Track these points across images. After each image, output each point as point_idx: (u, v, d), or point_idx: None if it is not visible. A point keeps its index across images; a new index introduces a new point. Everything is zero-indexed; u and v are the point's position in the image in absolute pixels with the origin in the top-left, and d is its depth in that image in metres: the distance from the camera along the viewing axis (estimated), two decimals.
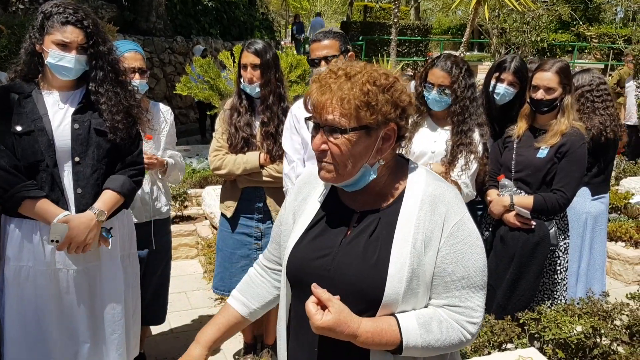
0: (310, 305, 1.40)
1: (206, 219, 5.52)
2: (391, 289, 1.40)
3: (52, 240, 2.39)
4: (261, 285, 1.76)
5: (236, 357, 3.72)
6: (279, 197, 3.24)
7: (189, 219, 5.70)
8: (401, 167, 1.56)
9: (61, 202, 2.43)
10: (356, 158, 1.44)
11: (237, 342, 3.97)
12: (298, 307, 1.56)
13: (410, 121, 1.60)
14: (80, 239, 2.39)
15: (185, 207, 5.82)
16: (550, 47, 17.89)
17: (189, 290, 4.78)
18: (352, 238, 1.50)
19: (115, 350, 2.60)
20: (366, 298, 1.43)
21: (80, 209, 2.44)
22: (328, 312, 1.39)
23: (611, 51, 19.59)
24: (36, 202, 2.37)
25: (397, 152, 1.56)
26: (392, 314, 1.43)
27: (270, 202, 3.28)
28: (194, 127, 12.31)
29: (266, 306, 1.76)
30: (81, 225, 2.39)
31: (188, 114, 12.79)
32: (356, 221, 1.52)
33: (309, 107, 1.48)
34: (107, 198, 2.49)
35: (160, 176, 3.28)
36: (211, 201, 5.34)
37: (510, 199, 3.11)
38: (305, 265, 1.53)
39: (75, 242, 2.39)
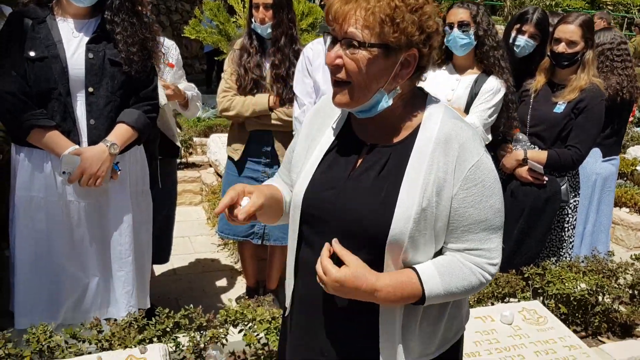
0: (325, 259, 1.36)
1: (211, 166, 5.50)
2: (397, 229, 1.36)
3: (63, 172, 2.36)
4: (286, 186, 1.69)
5: (238, 301, 3.74)
6: (288, 141, 3.17)
7: (193, 166, 5.67)
8: (418, 100, 1.49)
9: (73, 132, 2.39)
10: (371, 79, 1.37)
11: (239, 286, 4.00)
12: (306, 242, 1.54)
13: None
14: (92, 171, 2.36)
15: (190, 153, 5.78)
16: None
17: (192, 235, 4.79)
18: (360, 172, 1.45)
19: (123, 288, 2.60)
20: (370, 236, 1.39)
21: (92, 140, 2.41)
22: (345, 266, 1.35)
23: (625, 20, 19.22)
24: (46, 133, 2.33)
25: (416, 84, 1.50)
26: (410, 267, 1.39)
27: (278, 146, 3.24)
28: (199, 78, 12.14)
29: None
30: (93, 157, 2.36)
31: (193, 64, 12.61)
32: (366, 154, 1.47)
33: (329, 18, 1.39)
34: (121, 132, 2.45)
35: (181, 109, 3.24)
36: (216, 149, 5.30)
37: (524, 153, 3.07)
38: (313, 197, 1.49)
39: (87, 175, 2.36)
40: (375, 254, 1.39)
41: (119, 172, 2.50)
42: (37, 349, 2.12)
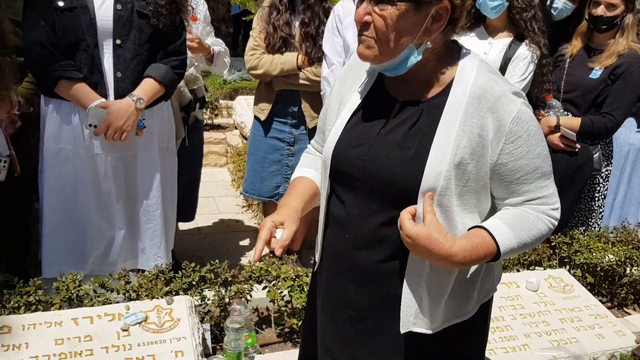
0: (404, 213, 1.33)
1: (236, 128, 5.50)
2: (427, 185, 1.33)
3: (89, 125, 2.37)
4: (319, 161, 1.67)
5: (262, 259, 3.77)
6: (315, 102, 3.16)
7: (219, 127, 5.68)
8: (452, 54, 1.43)
9: (100, 85, 2.39)
10: (401, 34, 1.32)
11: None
12: (336, 197, 1.52)
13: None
14: (118, 125, 2.36)
15: (216, 115, 5.79)
16: None
17: (217, 196, 4.83)
18: (391, 129, 1.42)
19: (150, 240, 2.64)
20: (400, 193, 1.36)
21: (119, 93, 2.40)
22: (422, 224, 1.31)
23: None
24: (73, 84, 2.33)
25: (449, 38, 1.45)
26: (479, 227, 1.36)
27: (305, 106, 3.20)
28: (225, 41, 12.06)
29: None
30: (120, 110, 2.36)
31: (220, 27, 12.52)
32: (397, 111, 1.43)
33: None
34: (147, 86, 2.44)
35: (207, 64, 3.21)
36: (242, 111, 5.29)
37: (557, 120, 2.99)
38: (343, 153, 1.46)
39: (113, 128, 2.36)
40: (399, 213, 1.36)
41: (143, 129, 2.51)
42: (67, 296, 2.17)
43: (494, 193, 1.41)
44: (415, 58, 1.35)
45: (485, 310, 1.56)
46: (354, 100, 1.51)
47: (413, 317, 1.42)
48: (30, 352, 1.85)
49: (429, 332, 1.43)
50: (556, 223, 1.42)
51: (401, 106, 1.43)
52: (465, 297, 1.46)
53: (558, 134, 3.01)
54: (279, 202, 3.39)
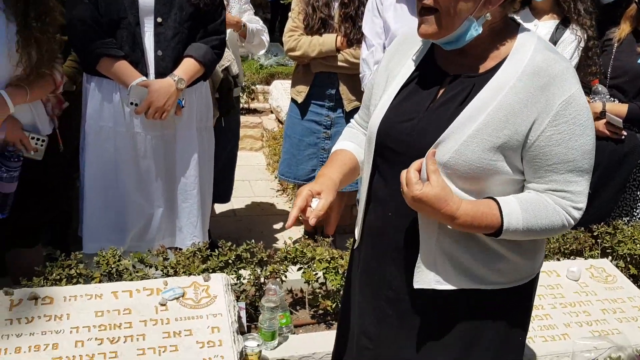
0: (412, 172, 1.30)
1: (272, 112, 5.50)
2: (440, 151, 1.31)
3: (131, 103, 2.40)
4: (361, 136, 1.67)
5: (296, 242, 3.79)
6: (353, 85, 3.13)
7: (255, 112, 5.69)
8: (510, 30, 1.39)
9: (141, 63, 2.41)
10: (461, 6, 1.29)
11: (297, 230, 4.03)
12: (379, 174, 1.50)
13: None
14: (159, 104, 2.38)
15: (252, 99, 5.80)
16: None
17: (252, 180, 4.85)
18: (440, 104, 1.39)
19: (187, 218, 2.67)
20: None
21: (159, 72, 2.42)
22: (428, 184, 1.29)
23: None
24: (114, 62, 2.36)
25: (507, 13, 1.40)
26: (492, 198, 1.33)
27: (343, 89, 3.17)
28: None
29: None
30: (161, 90, 2.38)
31: (257, 13, 12.53)
32: (448, 86, 1.40)
33: None
34: (188, 66, 2.45)
35: (240, 42, 3.20)
36: (278, 95, 5.29)
37: (603, 106, 2.90)
38: (389, 128, 1.44)
39: (154, 107, 2.39)
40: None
41: (182, 108, 2.52)
42: (107, 271, 2.21)
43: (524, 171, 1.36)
44: (475, 31, 1.32)
45: (527, 292, 1.53)
46: (403, 75, 1.48)
47: (434, 274, 1.40)
48: (71, 322, 1.89)
49: (446, 287, 1.40)
50: (573, 223, 1.35)
51: (452, 80, 1.39)
52: (490, 265, 1.41)
53: (604, 121, 2.91)
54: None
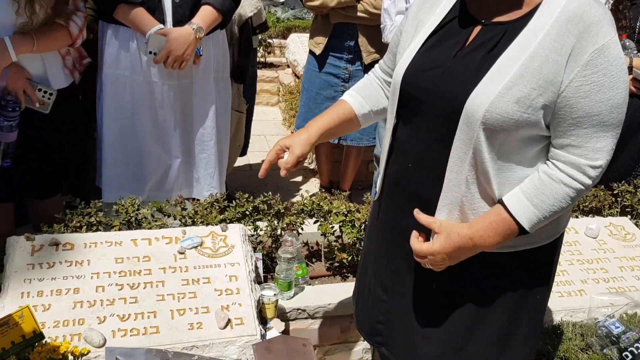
0: (414, 241, 1.39)
1: (289, 67, 5.44)
2: (472, 107, 1.27)
3: (149, 52, 2.37)
4: (377, 88, 1.65)
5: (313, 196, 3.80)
6: (373, 36, 3.06)
7: (271, 66, 5.62)
8: None
9: (158, 10, 2.37)
10: None
11: (313, 185, 4.04)
12: (403, 124, 1.48)
13: None
14: (178, 53, 2.35)
15: (269, 53, 5.73)
16: None
17: (268, 134, 4.83)
18: (468, 51, 1.34)
19: (205, 169, 2.67)
20: (469, 117, 1.30)
21: (177, 19, 2.38)
22: (435, 234, 1.35)
23: None
24: (131, 9, 2.32)
25: None
26: (499, 202, 1.32)
27: (362, 41, 3.11)
28: None
29: (377, 114, 1.66)
30: (180, 38, 2.34)
31: None
32: (477, 34, 1.35)
33: None
34: (206, 14, 2.40)
35: None
36: (295, 49, 5.21)
37: (630, 61, 2.81)
38: (415, 76, 1.41)
39: (172, 56, 2.35)
40: (472, 137, 1.30)
41: (201, 58, 2.49)
42: (126, 219, 2.22)
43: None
44: None
45: (551, 251, 1.51)
46: (432, 23, 1.44)
47: None
48: (91, 268, 1.92)
49: None
50: (589, 182, 1.29)
51: (482, 28, 1.34)
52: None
53: (630, 77, 2.83)
54: (332, 141, 3.38)
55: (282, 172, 1.49)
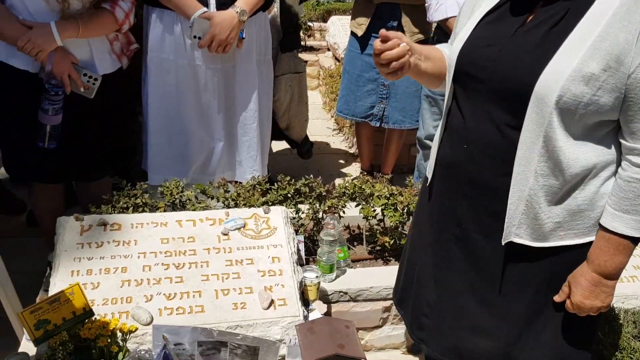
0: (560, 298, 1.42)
1: (329, 50, 5.40)
2: (542, 89, 1.23)
3: (194, 37, 2.37)
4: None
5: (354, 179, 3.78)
6: (417, 16, 3.00)
7: (311, 49, 5.60)
8: None
9: None
10: None
11: (353, 169, 4.02)
12: (455, 107, 1.45)
13: None
14: (223, 37, 2.35)
15: (309, 36, 5.70)
16: None
17: (309, 118, 4.81)
18: (529, 28, 1.29)
19: (247, 152, 2.68)
20: (528, 99, 1.25)
21: (220, 2, 2.38)
22: (571, 291, 1.37)
23: None
24: None
25: None
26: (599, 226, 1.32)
27: (405, 21, 3.04)
28: None
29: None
30: (224, 22, 2.34)
31: None
32: (539, 10, 1.30)
33: None
34: None
35: None
36: (335, 31, 5.16)
37: None
38: (471, 53, 1.37)
39: (217, 40, 2.36)
40: (542, 122, 1.25)
41: (243, 40, 2.48)
42: (170, 201, 2.26)
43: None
44: None
45: None
46: (490, 2, 1.40)
47: (515, 227, 1.37)
48: (138, 248, 1.96)
49: (532, 244, 1.37)
50: None
51: (544, 5, 1.29)
52: (579, 222, 1.35)
53: None
54: (374, 123, 3.35)
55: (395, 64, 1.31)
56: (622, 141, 1.27)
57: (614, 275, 1.33)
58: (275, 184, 2.42)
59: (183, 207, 2.27)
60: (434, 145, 1.54)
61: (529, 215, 1.34)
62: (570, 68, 1.19)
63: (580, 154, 1.27)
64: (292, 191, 2.39)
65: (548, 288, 1.42)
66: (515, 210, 1.35)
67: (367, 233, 2.60)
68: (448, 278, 1.55)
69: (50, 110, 2.11)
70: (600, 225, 1.31)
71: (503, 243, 1.40)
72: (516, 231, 1.37)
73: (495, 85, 1.29)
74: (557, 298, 1.41)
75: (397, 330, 2.45)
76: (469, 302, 1.52)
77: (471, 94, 1.37)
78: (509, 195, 1.35)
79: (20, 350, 1.74)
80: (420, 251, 1.66)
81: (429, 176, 1.58)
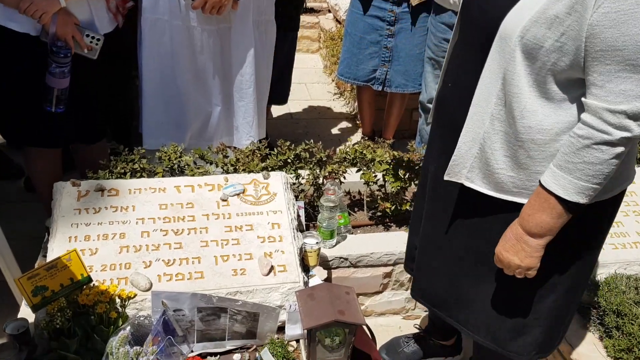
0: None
1: (330, 12, 5.28)
2: (507, 26, 1.20)
3: None
4: None
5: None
6: None
7: (312, 11, 5.47)
8: None
9: None
10: None
11: (354, 134, 3.97)
12: (454, 46, 1.47)
13: None
14: None
15: None
16: None
17: (308, 82, 4.75)
18: None
19: (243, 117, 2.63)
20: (486, 31, 1.26)
21: None
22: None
23: None
24: None
25: None
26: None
27: None
28: None
29: None
30: None
31: None
32: None
33: None
34: None
35: None
36: None
37: None
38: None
39: (210, 2, 2.29)
40: (502, 63, 1.23)
41: (239, 2, 2.41)
42: (169, 166, 2.22)
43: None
44: None
45: (610, 206, 1.43)
46: None
47: (467, 170, 1.39)
48: (136, 214, 1.93)
49: (485, 192, 1.39)
50: (614, 131, 1.14)
51: None
52: (534, 184, 1.32)
53: None
54: (376, 87, 3.29)
55: None
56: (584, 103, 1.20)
57: (534, 234, 1.28)
58: (274, 149, 2.38)
59: (181, 172, 2.24)
60: (437, 90, 1.59)
61: (482, 160, 1.34)
62: (534, 10, 1.16)
63: (539, 108, 1.23)
64: (292, 156, 2.35)
65: (493, 242, 1.41)
66: (468, 151, 1.35)
67: (368, 199, 2.57)
68: (429, 214, 1.62)
69: (59, 73, 2.08)
70: (539, 181, 1.28)
71: (445, 179, 1.42)
72: (467, 174, 1.38)
73: (476, 26, 1.31)
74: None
75: (397, 296, 2.45)
76: (432, 238, 1.60)
77: (463, 33, 1.41)
78: (462, 134, 1.35)
79: (19, 315, 1.73)
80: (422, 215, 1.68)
81: (430, 118, 1.64)
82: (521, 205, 1.33)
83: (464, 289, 1.56)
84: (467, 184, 1.38)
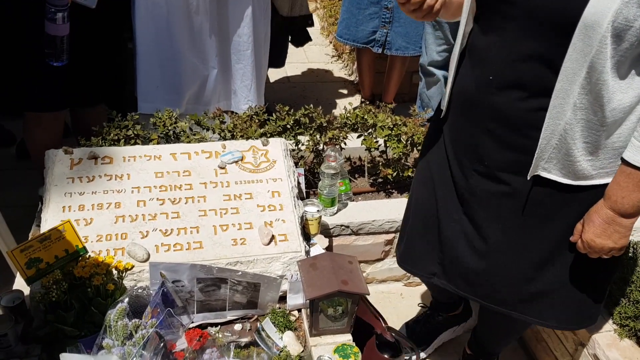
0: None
1: None
2: (591, 15, 1.10)
3: None
4: None
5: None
6: None
7: None
8: None
9: None
10: None
11: (354, 98, 3.89)
12: (478, 31, 1.35)
13: None
14: None
15: None
16: None
17: (306, 45, 4.61)
18: None
19: (241, 81, 2.55)
20: (563, 23, 1.15)
21: None
22: (584, 229, 1.32)
23: None
24: None
25: None
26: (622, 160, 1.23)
27: None
28: None
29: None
30: None
31: None
32: None
33: None
34: None
35: None
36: None
37: None
38: None
39: None
40: (589, 52, 1.13)
41: None
42: (164, 132, 2.15)
43: None
44: None
45: None
46: None
47: (545, 161, 1.30)
48: (131, 182, 1.87)
49: (562, 181, 1.31)
50: None
51: None
52: (612, 161, 1.27)
53: None
54: (375, 49, 3.20)
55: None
56: None
57: (630, 214, 1.26)
58: (273, 114, 2.31)
59: (177, 139, 2.17)
60: (450, 74, 1.43)
61: (560, 150, 1.27)
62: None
63: (618, 88, 1.17)
64: (292, 122, 2.28)
65: (571, 229, 1.36)
66: (547, 144, 1.27)
67: (369, 165, 2.52)
68: (467, 210, 1.51)
69: (59, 18, 1.98)
70: (622, 159, 1.23)
71: (529, 177, 1.33)
72: (545, 165, 1.30)
73: (533, 9, 1.17)
74: (572, 238, 1.35)
75: None
76: (486, 233, 1.49)
77: (501, 19, 1.25)
78: (543, 129, 1.26)
79: (14, 287, 1.69)
80: (432, 193, 1.60)
81: (443, 109, 1.48)
82: (592, 187, 1.30)
83: (544, 280, 1.49)
84: (544, 174, 1.32)
